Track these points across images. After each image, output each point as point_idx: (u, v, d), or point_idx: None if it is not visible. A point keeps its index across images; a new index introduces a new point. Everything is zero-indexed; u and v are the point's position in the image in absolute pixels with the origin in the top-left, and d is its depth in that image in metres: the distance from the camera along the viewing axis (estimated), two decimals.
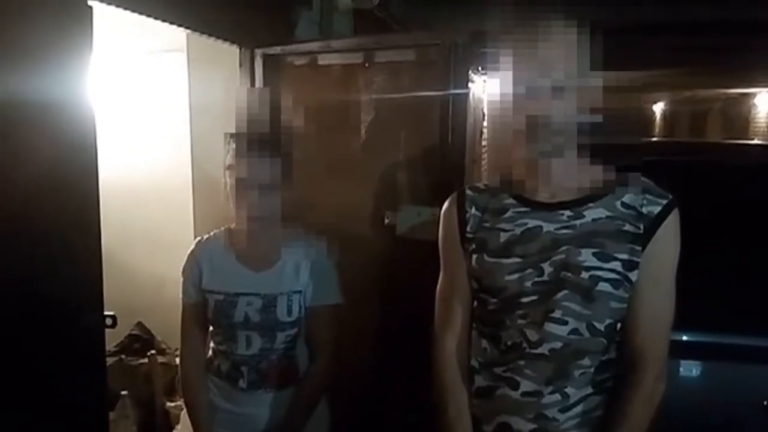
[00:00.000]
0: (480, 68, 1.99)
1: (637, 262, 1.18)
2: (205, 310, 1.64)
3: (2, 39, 1.35)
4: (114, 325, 1.72)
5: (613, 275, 1.18)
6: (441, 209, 1.38)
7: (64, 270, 1.49)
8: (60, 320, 1.48)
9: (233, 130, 1.60)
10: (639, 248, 1.18)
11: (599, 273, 1.18)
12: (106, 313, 1.69)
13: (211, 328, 1.68)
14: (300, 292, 1.63)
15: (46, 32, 1.46)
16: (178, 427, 3.00)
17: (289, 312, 1.61)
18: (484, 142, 3.69)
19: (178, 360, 3.33)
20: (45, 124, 1.43)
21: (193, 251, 1.68)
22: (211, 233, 1.72)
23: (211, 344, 1.70)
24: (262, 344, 1.62)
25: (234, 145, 1.57)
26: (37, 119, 1.41)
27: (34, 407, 1.44)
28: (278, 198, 1.58)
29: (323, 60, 2.32)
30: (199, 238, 1.71)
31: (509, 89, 1.19)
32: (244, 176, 1.54)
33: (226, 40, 2.42)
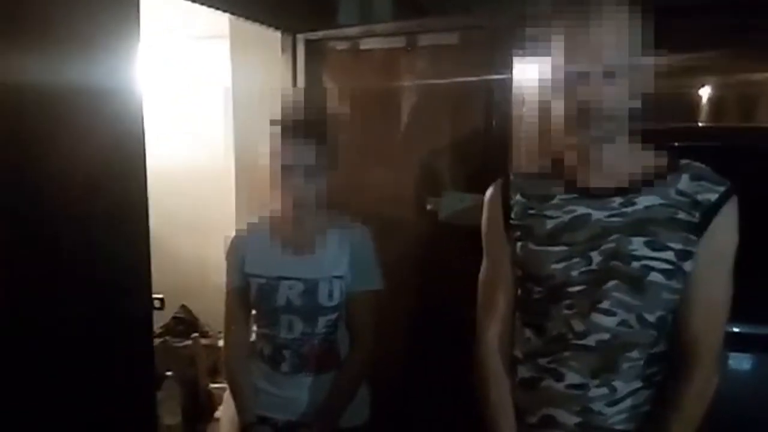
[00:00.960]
0: (523, 51, 1.94)
1: (692, 252, 1.13)
2: (249, 294, 1.66)
3: (52, 26, 1.38)
4: (162, 306, 1.76)
5: (665, 265, 1.13)
6: (484, 195, 1.36)
7: (115, 253, 1.53)
8: (111, 302, 1.52)
9: (275, 116, 1.60)
10: (694, 237, 1.13)
11: (651, 263, 1.14)
12: (154, 295, 1.73)
13: (254, 312, 1.70)
14: (341, 277, 1.63)
15: (94, 19, 1.48)
16: (221, 407, 3.06)
17: (330, 297, 1.62)
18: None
19: (221, 342, 3.40)
20: (95, 110, 1.46)
21: (236, 236, 1.70)
22: (254, 218, 1.74)
23: (255, 328, 1.72)
24: (303, 328, 1.63)
25: (277, 131, 1.58)
26: (86, 106, 1.44)
27: (86, 385, 1.49)
28: (320, 183, 1.58)
29: (365, 45, 2.30)
30: (242, 223, 1.73)
31: (559, 73, 1.15)
32: (286, 162, 1.55)
33: (268, 25, 2.42)
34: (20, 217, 1.32)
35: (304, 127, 1.55)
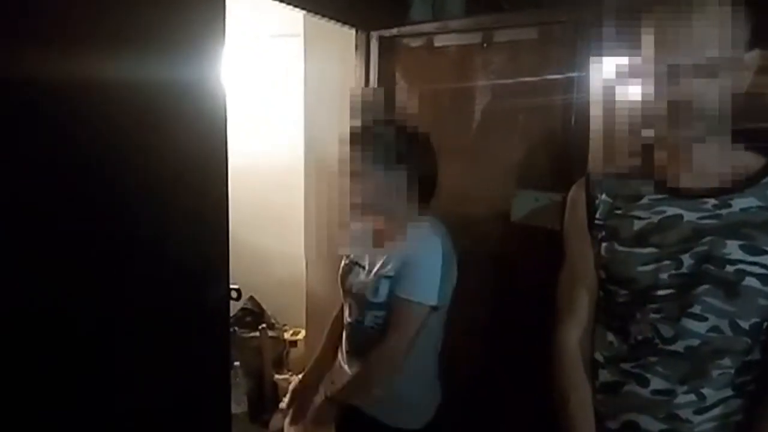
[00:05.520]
0: (607, 47, 1.88)
1: None
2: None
3: (144, 27, 1.42)
4: (239, 297, 1.82)
5: (762, 270, 1.08)
6: (559, 195, 1.33)
7: (197, 244, 1.58)
8: (192, 291, 1.57)
9: (348, 114, 1.63)
10: None
11: (746, 267, 1.09)
12: (231, 286, 1.78)
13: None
14: (390, 277, 1.61)
15: (181, 19, 1.52)
16: (286, 398, 3.13)
17: (376, 293, 1.62)
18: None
19: (287, 335, 3.47)
20: (182, 107, 1.50)
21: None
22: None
23: None
24: (357, 315, 1.70)
25: (346, 136, 1.62)
26: (174, 103, 1.49)
27: (166, 372, 1.54)
28: (391, 185, 1.61)
29: (439, 41, 2.28)
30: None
31: (648, 69, 1.12)
32: (355, 168, 1.61)
33: (342, 22, 2.43)
34: (110, 209, 1.37)
35: (372, 133, 1.59)
